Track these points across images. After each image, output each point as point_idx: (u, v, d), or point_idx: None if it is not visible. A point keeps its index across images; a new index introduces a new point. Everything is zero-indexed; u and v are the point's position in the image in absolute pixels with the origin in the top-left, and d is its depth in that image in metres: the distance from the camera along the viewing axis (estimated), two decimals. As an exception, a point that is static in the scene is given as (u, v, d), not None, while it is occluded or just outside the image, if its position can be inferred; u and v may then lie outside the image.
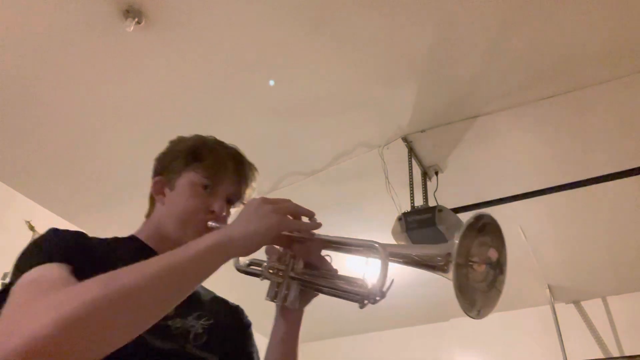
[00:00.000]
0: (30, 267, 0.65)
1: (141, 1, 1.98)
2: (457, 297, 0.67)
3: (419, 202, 2.74)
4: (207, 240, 0.65)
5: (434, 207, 2.55)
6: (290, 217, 0.74)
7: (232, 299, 1.00)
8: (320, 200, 3.13)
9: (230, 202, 0.92)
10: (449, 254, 0.68)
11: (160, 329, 0.75)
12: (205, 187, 0.90)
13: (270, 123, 2.65)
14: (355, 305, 0.74)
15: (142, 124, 2.61)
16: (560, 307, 3.68)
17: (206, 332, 0.84)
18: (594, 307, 3.67)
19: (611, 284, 3.56)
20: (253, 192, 0.98)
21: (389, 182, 2.87)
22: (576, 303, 3.74)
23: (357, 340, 4.28)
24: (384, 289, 0.70)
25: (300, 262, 0.79)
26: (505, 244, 0.75)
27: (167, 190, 0.93)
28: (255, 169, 0.99)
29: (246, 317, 1.00)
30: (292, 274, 0.78)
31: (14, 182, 3.04)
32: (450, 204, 2.65)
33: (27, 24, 2.09)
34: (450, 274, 0.67)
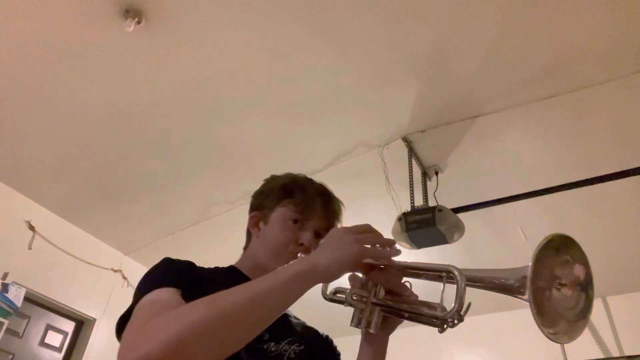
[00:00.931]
0: (149, 290, 0.74)
1: (141, 1, 1.98)
2: (537, 322, 0.68)
3: (419, 202, 2.74)
4: (294, 267, 0.71)
5: (434, 207, 2.55)
6: (372, 246, 0.77)
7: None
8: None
9: (319, 235, 0.98)
10: (524, 277, 0.68)
11: (258, 351, 0.83)
12: (296, 221, 0.97)
13: (271, 123, 2.65)
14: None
15: (142, 124, 2.61)
16: (560, 307, 3.67)
17: (297, 357, 0.90)
18: (594, 307, 3.66)
19: (611, 284, 3.56)
20: (340, 224, 1.05)
21: (389, 182, 2.87)
22: (576, 303, 3.74)
23: (357, 341, 4.28)
24: (462, 312, 0.73)
25: (381, 289, 0.82)
26: (588, 262, 0.74)
27: (261, 225, 1.01)
28: (342, 204, 1.07)
29: (336, 347, 1.07)
30: (374, 300, 0.81)
31: (14, 182, 3.04)
32: (450, 204, 2.65)
33: (27, 24, 2.09)
34: (527, 296, 0.68)
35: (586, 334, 3.55)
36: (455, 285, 0.73)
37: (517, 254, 3.31)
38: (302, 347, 0.92)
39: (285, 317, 0.98)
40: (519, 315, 3.74)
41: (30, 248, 3.07)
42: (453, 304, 0.72)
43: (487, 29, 2.12)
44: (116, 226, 3.46)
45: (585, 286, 0.73)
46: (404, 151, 2.77)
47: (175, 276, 0.80)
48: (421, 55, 2.25)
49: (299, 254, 0.93)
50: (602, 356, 3.42)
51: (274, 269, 0.83)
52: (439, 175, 2.89)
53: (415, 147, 2.77)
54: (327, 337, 1.07)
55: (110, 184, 3.01)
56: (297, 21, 2.11)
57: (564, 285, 0.72)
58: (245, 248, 1.05)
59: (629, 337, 3.44)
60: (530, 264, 0.67)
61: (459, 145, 2.73)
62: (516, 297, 0.70)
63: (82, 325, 3.51)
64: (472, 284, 0.75)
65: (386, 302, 0.82)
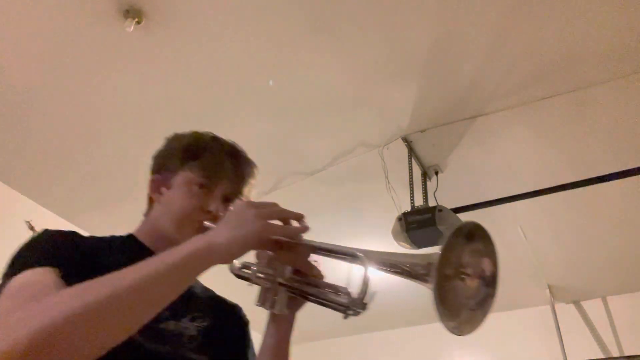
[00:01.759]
0: (20, 270, 0.66)
1: (141, 1, 1.98)
2: (437, 309, 0.63)
3: (419, 202, 2.74)
4: (188, 247, 0.64)
5: (434, 207, 2.55)
6: (276, 222, 0.72)
7: (234, 298, 1.00)
8: (320, 200, 3.13)
9: (228, 200, 0.90)
10: (429, 264, 0.63)
11: (154, 331, 0.75)
12: (202, 186, 0.89)
13: (270, 123, 2.65)
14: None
15: (142, 123, 2.61)
16: (560, 307, 3.68)
17: (200, 333, 0.84)
18: (594, 307, 3.67)
19: (611, 284, 3.56)
20: (252, 189, 0.96)
21: (389, 182, 2.87)
22: (576, 303, 3.74)
23: (357, 340, 4.28)
24: (365, 300, 0.68)
25: (288, 267, 0.77)
26: (497, 256, 0.69)
27: (163, 189, 0.93)
28: (254, 166, 0.98)
29: (244, 315, 0.99)
30: (279, 280, 0.77)
31: (14, 182, 3.04)
32: (450, 204, 2.65)
33: (27, 24, 2.09)
34: (431, 285, 0.62)
35: (586, 334, 3.56)
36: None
37: (517, 254, 3.31)
38: (206, 323, 0.86)
39: (190, 289, 0.88)
40: (519, 315, 3.74)
41: (30, 248, 3.07)
42: (358, 291, 0.68)
43: (487, 29, 2.12)
44: (116, 226, 3.45)
45: (491, 281, 0.68)
46: (404, 151, 2.77)
47: (53, 253, 0.71)
48: (421, 56, 2.25)
49: (205, 223, 0.84)
50: (602, 356, 3.42)
51: (177, 239, 0.78)
52: (439, 175, 2.89)
53: (415, 147, 2.77)
54: (235, 305, 0.99)
55: (110, 184, 3.01)
56: (297, 21, 2.11)
57: (468, 275, 0.67)
58: (146, 214, 0.96)
59: (629, 337, 3.43)
60: (438, 251, 0.63)
61: (459, 145, 2.73)
62: (421, 284, 0.66)
63: (82, 325, 3.50)
64: (381, 268, 0.71)
65: (292, 282, 0.77)
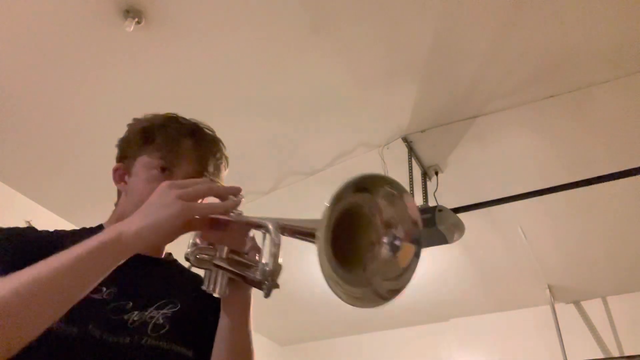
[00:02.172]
0: None
1: (141, 1, 1.98)
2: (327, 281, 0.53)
3: (419, 202, 2.74)
4: (100, 237, 0.62)
5: (434, 207, 2.55)
6: (200, 201, 0.67)
7: None
8: (320, 200, 3.11)
9: None
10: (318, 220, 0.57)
11: (116, 323, 0.74)
12: (164, 169, 0.85)
13: (270, 123, 2.65)
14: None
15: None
16: (560, 307, 3.68)
17: (168, 320, 0.80)
18: (594, 307, 3.67)
19: (611, 284, 3.56)
20: (220, 164, 0.91)
21: (389, 182, 2.87)
22: (576, 303, 3.74)
23: (357, 340, 4.28)
24: (276, 277, 0.64)
25: (224, 247, 0.72)
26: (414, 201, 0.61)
27: (127, 178, 0.91)
28: (220, 141, 0.92)
29: None
30: (216, 262, 0.72)
31: (14, 182, 3.04)
32: (450, 204, 2.65)
33: (26, 24, 2.09)
34: (317, 244, 0.55)
35: (586, 334, 3.56)
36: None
37: (517, 254, 3.31)
38: (176, 308, 0.81)
39: (160, 274, 0.86)
40: (519, 315, 3.75)
41: (30, 248, 3.07)
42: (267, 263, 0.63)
43: (487, 29, 2.12)
44: (116, 226, 3.46)
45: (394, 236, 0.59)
46: (404, 151, 2.77)
47: (5, 259, 0.70)
48: (421, 56, 2.25)
49: None
50: (602, 356, 3.42)
51: None
52: (439, 175, 2.89)
53: (415, 147, 2.77)
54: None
55: (110, 184, 3.00)
56: (297, 21, 2.11)
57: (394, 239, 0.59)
58: (115, 204, 0.93)
59: (629, 337, 3.44)
60: (326, 204, 0.57)
61: (459, 145, 2.73)
62: (309, 240, 0.59)
63: (82, 325, 3.50)
64: (284, 234, 0.65)
65: (228, 263, 0.72)
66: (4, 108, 2.51)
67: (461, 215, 2.64)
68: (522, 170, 2.82)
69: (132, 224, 0.64)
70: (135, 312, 0.77)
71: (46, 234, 0.84)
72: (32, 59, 2.25)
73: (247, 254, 0.73)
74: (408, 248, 0.61)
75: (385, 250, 0.61)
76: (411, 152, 2.77)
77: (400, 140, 2.74)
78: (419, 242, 0.61)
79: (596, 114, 2.50)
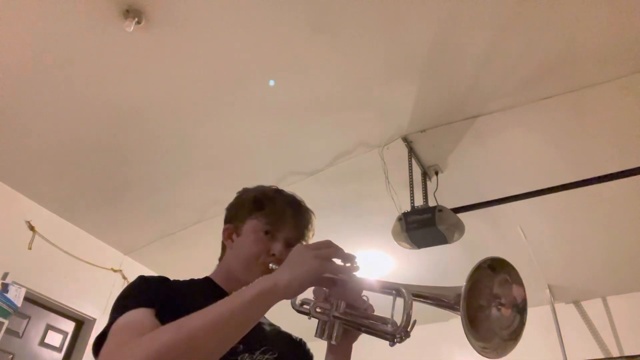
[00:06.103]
0: (122, 312, 0.78)
1: (141, 1, 1.98)
2: (467, 335, 0.74)
3: (419, 202, 2.74)
4: (257, 286, 0.74)
5: (434, 207, 2.55)
6: (332, 261, 0.80)
7: (292, 332, 1.10)
8: (320, 200, 3.12)
9: (290, 245, 1.00)
10: (459, 295, 0.73)
11: None
12: (267, 232, 1.01)
13: (271, 123, 2.65)
14: None
15: (142, 124, 2.61)
16: (560, 307, 3.69)
17: None
18: (594, 307, 3.67)
19: (611, 284, 3.56)
20: (311, 233, 1.09)
21: (389, 182, 2.88)
22: (576, 303, 3.75)
23: (356, 340, 4.28)
24: (409, 329, 0.78)
25: (342, 302, 0.87)
26: (523, 284, 0.81)
27: (234, 237, 1.05)
28: (312, 213, 1.10)
29: (309, 350, 1.10)
30: (335, 314, 0.86)
31: (14, 182, 3.04)
32: (450, 204, 2.65)
33: (27, 24, 2.09)
34: (460, 312, 0.72)
35: (586, 334, 3.56)
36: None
37: (517, 254, 3.31)
38: (275, 355, 0.94)
39: (260, 325, 1.00)
40: (519, 315, 3.74)
41: (30, 248, 3.07)
42: (401, 320, 0.78)
43: (487, 29, 2.12)
44: (116, 226, 3.46)
45: (521, 309, 0.80)
46: (404, 151, 2.77)
47: (149, 296, 0.83)
48: (421, 55, 2.25)
49: (270, 265, 0.96)
50: (602, 356, 3.42)
51: (246, 279, 0.88)
52: (439, 175, 2.89)
53: (415, 147, 2.77)
54: (300, 340, 1.10)
55: (110, 183, 3.01)
56: (297, 21, 2.11)
57: (502, 305, 0.80)
58: (220, 259, 1.09)
59: (629, 337, 3.44)
60: (463, 283, 0.72)
61: (459, 145, 2.73)
62: (453, 312, 0.75)
63: (82, 325, 3.50)
64: (417, 299, 0.80)
65: (346, 315, 0.87)
66: (3, 108, 2.51)
67: (461, 215, 2.64)
68: (522, 170, 2.82)
69: (283, 275, 0.76)
70: (247, 354, 0.88)
71: (177, 282, 0.98)
72: (32, 59, 2.25)
73: (365, 309, 0.88)
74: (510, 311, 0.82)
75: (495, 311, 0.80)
76: (411, 152, 2.77)
77: (400, 140, 2.74)
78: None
79: (596, 114, 2.50)
